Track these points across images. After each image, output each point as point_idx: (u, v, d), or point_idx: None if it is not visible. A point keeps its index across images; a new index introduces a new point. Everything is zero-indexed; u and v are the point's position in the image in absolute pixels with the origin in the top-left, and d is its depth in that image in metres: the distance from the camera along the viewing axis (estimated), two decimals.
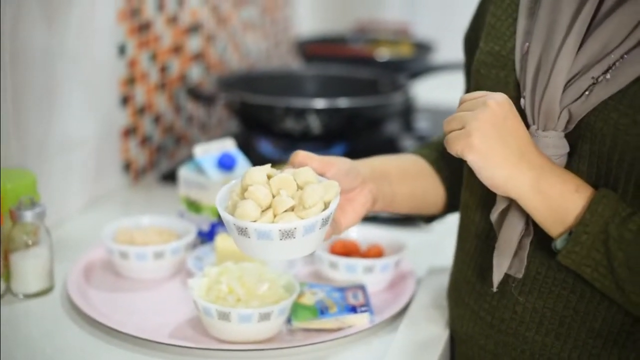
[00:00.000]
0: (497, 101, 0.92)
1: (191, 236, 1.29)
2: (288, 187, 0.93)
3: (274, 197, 0.93)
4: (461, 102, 0.96)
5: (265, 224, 0.90)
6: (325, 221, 0.93)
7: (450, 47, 2.25)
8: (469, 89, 1.14)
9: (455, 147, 0.92)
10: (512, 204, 0.97)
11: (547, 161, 0.94)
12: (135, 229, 1.31)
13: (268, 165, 0.96)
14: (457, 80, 1.50)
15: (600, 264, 0.92)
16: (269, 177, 0.95)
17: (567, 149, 0.95)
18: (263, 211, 0.92)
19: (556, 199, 0.93)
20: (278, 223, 0.91)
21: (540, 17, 0.98)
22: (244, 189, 0.94)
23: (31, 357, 1.05)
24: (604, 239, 0.91)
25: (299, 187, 0.94)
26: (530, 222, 0.97)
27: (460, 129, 0.92)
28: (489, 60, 1.04)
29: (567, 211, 0.93)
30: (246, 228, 0.91)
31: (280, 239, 0.91)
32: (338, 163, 1.03)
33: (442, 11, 3.34)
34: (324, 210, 0.93)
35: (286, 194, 0.93)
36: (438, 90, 2.33)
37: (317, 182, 0.95)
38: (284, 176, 0.94)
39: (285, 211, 0.92)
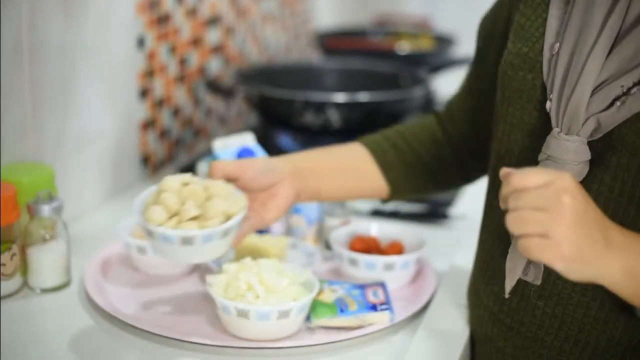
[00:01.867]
0: (572, 194, 0.82)
1: None
2: (196, 198, 1.01)
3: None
4: (518, 188, 0.83)
5: (167, 229, 0.98)
6: (225, 232, 1.00)
7: (471, 41, 2.21)
8: (471, 74, 1.18)
9: (543, 257, 0.83)
10: None
11: (628, 236, 0.88)
12: None
13: (188, 174, 1.04)
14: None
15: None
16: (186, 185, 1.03)
17: (588, 156, 0.92)
18: (171, 217, 1.00)
19: None
20: (178, 230, 0.98)
21: (572, 18, 0.95)
22: (159, 195, 1.01)
23: (47, 352, 1.05)
24: None
25: (209, 198, 1.01)
26: None
27: (541, 234, 0.82)
28: (517, 62, 1.01)
29: None
30: (151, 231, 0.99)
31: (181, 245, 0.99)
32: (253, 165, 1.10)
33: (463, 4, 3.31)
34: (226, 222, 1.00)
35: (192, 204, 1.00)
36: (459, 84, 2.30)
37: (226, 195, 1.02)
38: (193, 188, 1.02)
39: (191, 219, 0.99)
